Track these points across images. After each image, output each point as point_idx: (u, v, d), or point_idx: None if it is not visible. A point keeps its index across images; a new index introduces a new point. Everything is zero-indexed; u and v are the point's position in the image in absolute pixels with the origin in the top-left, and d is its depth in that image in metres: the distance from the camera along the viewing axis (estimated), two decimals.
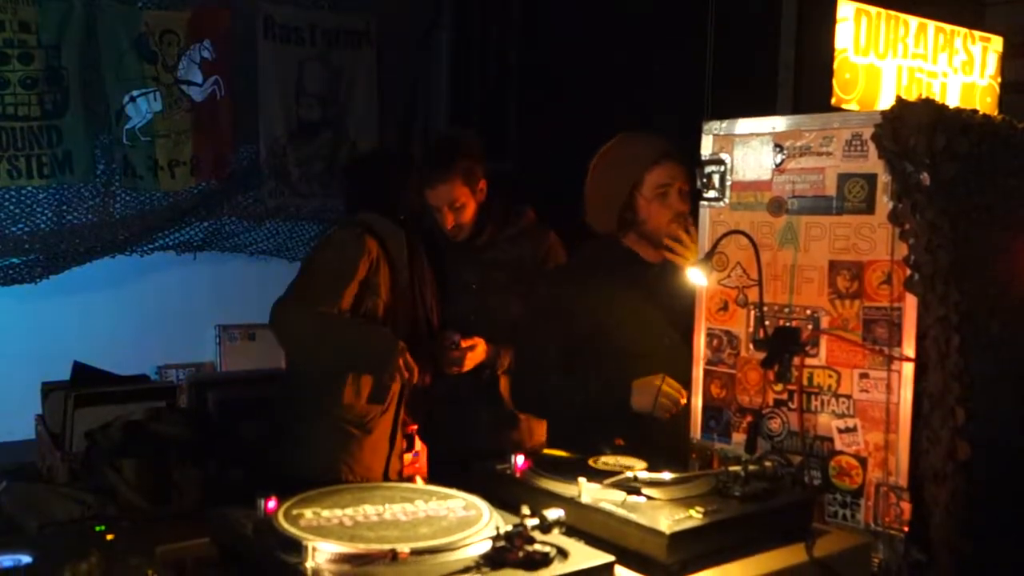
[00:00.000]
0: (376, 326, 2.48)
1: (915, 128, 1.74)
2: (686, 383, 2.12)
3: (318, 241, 2.75)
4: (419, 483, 1.77)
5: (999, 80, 2.57)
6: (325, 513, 1.50)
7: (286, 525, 1.44)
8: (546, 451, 1.97)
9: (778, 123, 1.99)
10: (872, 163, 1.84)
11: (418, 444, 2.90)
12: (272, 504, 1.48)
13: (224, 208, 3.45)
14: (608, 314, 2.24)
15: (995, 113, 2.40)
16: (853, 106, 2.22)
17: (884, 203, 1.83)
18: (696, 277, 2.03)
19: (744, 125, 2.03)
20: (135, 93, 3.20)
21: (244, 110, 3.41)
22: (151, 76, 3.21)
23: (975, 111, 1.90)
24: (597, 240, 2.34)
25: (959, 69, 2.44)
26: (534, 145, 3.56)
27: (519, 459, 1.77)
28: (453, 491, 1.64)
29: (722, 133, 2.06)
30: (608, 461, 1.80)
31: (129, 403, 2.78)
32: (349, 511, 1.51)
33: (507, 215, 2.72)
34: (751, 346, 2.01)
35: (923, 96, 1.85)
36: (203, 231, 3.46)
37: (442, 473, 1.95)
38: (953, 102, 2.38)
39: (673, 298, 2.20)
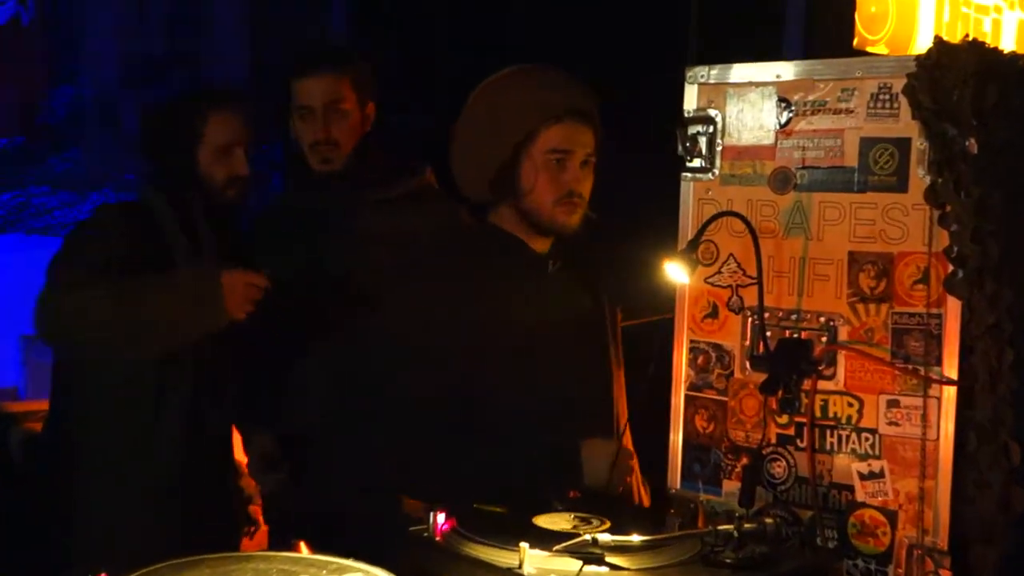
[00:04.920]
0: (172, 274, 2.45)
1: (959, 79, 1.77)
2: (605, 405, 2.16)
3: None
4: (304, 551, 1.75)
5: None
6: None
7: None
8: (476, 505, 1.96)
9: (784, 70, 1.99)
10: (904, 124, 1.86)
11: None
12: None
13: (32, 175, 3.35)
14: (519, 338, 2.18)
15: None
16: (880, 49, 2.25)
17: (919, 177, 1.85)
18: (675, 273, 2.04)
19: (740, 72, 2.04)
20: None
21: (62, 41, 3.32)
22: None
23: None
24: (472, 225, 2.29)
25: (1017, 3, 2.49)
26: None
27: (440, 517, 1.76)
28: (349, 561, 1.62)
29: (711, 82, 2.06)
30: (559, 519, 1.80)
31: None
32: None
33: (394, 171, 2.68)
34: (747, 365, 2.02)
35: (970, 37, 1.87)
36: (2, 207, 3.35)
37: None
38: (1008, 45, 2.43)
39: (572, 299, 2.24)
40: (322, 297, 2.68)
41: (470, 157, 2.25)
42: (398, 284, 2.31)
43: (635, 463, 2.23)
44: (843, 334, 1.92)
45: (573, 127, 2.20)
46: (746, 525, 1.73)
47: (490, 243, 2.26)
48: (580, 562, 1.63)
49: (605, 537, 1.69)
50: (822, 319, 1.95)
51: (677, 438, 2.11)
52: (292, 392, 2.73)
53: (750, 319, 2.02)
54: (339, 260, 2.68)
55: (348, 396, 2.59)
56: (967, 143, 1.76)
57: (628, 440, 2.25)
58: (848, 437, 1.92)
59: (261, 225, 2.95)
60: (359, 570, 1.59)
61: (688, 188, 2.10)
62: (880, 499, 1.88)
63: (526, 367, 2.19)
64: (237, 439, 2.85)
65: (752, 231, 1.95)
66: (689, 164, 2.09)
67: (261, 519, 2.87)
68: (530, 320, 2.21)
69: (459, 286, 2.19)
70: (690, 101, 2.08)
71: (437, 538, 1.74)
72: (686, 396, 2.10)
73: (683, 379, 2.10)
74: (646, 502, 2.21)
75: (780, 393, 1.91)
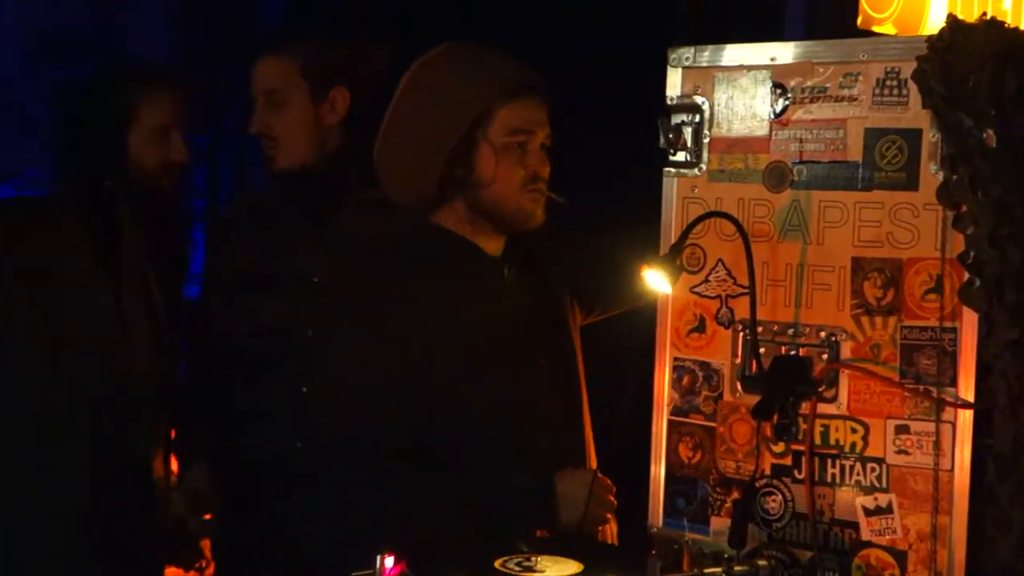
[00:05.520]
0: None
1: (975, 62, 1.77)
2: (573, 434, 2.17)
3: None
4: None
5: None
6: None
7: None
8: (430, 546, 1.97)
9: (780, 51, 1.99)
10: (914, 114, 1.86)
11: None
12: None
13: None
14: (479, 359, 2.18)
15: None
16: (888, 29, 2.25)
17: (931, 173, 1.85)
18: (656, 281, 2.02)
19: (730, 54, 2.04)
20: None
21: None
22: None
23: None
24: (411, 226, 2.27)
25: None
26: None
27: (388, 560, 1.75)
28: None
29: (698, 65, 2.06)
30: (524, 563, 1.80)
31: None
32: None
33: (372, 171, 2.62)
34: (738, 385, 2.02)
35: (987, 16, 1.89)
36: None
37: None
38: None
39: (534, 310, 2.23)
40: (269, 309, 2.66)
41: (410, 150, 2.21)
42: (348, 301, 2.30)
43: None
44: (846, 351, 1.92)
45: (531, 104, 2.21)
46: (737, 568, 1.76)
47: (440, 250, 2.23)
48: None
49: None
50: (822, 334, 1.94)
51: (659, 470, 2.09)
52: (235, 418, 2.71)
53: (741, 334, 2.01)
54: (290, 266, 2.65)
55: (295, 422, 2.58)
56: (984, 135, 1.76)
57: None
58: (852, 467, 1.91)
59: (220, 222, 2.99)
60: None
61: (671, 185, 2.09)
62: (888, 537, 1.88)
63: (488, 391, 2.18)
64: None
65: (743, 234, 1.94)
66: (672, 158, 2.08)
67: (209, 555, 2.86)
68: (490, 337, 2.19)
69: (411, 302, 2.18)
70: (673, 87, 2.07)
71: None
72: (669, 422, 2.08)
73: (665, 402, 2.09)
74: (614, 539, 2.22)
75: (775, 418, 1.89)
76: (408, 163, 2.23)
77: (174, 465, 2.83)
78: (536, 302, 2.29)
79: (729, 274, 2.03)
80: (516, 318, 2.23)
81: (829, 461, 1.93)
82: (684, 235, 2.00)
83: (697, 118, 2.05)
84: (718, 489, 2.04)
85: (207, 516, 2.76)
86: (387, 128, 2.24)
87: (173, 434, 2.84)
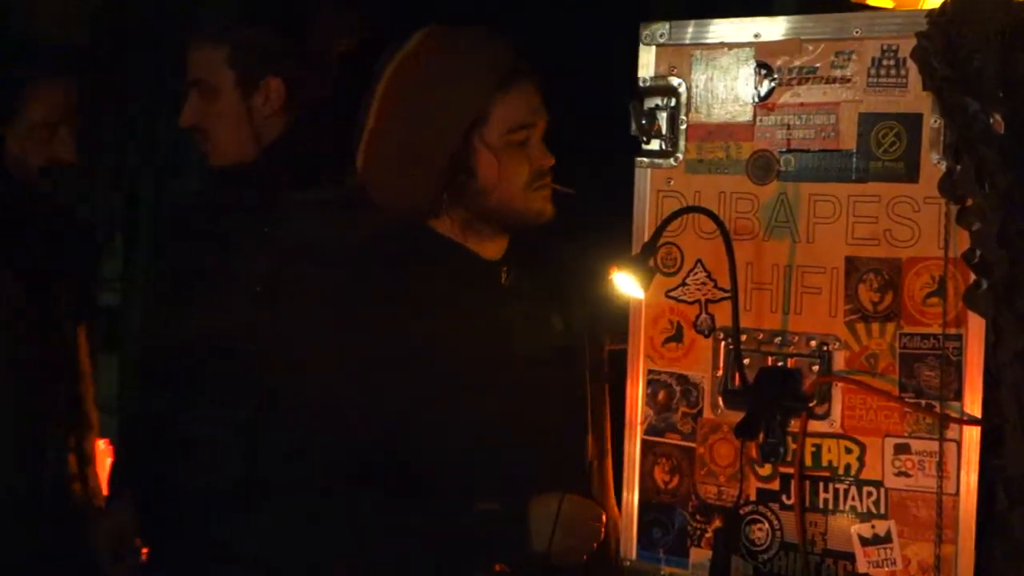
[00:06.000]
0: None
1: (982, 39, 1.71)
2: (573, 449, 2.15)
3: None
4: None
5: None
6: None
7: None
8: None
9: (765, 27, 1.96)
10: (914, 97, 1.83)
11: None
12: None
13: None
14: (464, 373, 2.12)
15: None
16: (884, 3, 2.30)
17: (933, 163, 1.82)
18: (626, 285, 1.97)
19: (711, 30, 2.01)
20: None
21: None
22: None
23: None
24: (396, 228, 2.20)
25: None
26: None
27: None
28: None
29: (674, 42, 2.03)
30: None
31: None
32: None
33: (317, 170, 2.56)
34: (720, 401, 1.99)
35: None
36: None
37: None
38: None
39: (534, 318, 2.19)
40: (204, 322, 2.59)
41: (404, 160, 2.14)
42: (308, 309, 2.25)
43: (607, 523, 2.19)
44: (839, 361, 1.90)
45: (526, 93, 2.15)
46: None
47: (426, 255, 2.18)
48: None
49: None
50: (813, 343, 1.92)
51: (632, 496, 2.07)
52: (171, 440, 2.63)
53: (723, 343, 1.99)
54: (229, 275, 2.58)
55: (238, 444, 2.53)
56: (992, 120, 1.72)
57: (610, 495, 2.24)
58: (846, 492, 1.89)
59: (154, 225, 3.05)
60: None
61: (644, 177, 2.06)
62: (887, 569, 1.85)
63: (473, 407, 2.12)
64: None
65: (724, 232, 1.92)
66: (646, 147, 2.05)
67: None
68: (483, 345, 2.14)
69: (387, 311, 2.12)
70: (646, 67, 2.05)
71: None
72: (643, 442, 2.06)
73: (639, 420, 2.07)
74: None
75: (761, 437, 1.90)
76: (402, 174, 2.16)
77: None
78: (537, 311, 2.23)
79: (709, 276, 2.01)
80: (513, 324, 2.19)
81: (821, 485, 1.91)
82: (658, 233, 1.95)
83: (673, 102, 2.02)
84: (698, 517, 2.02)
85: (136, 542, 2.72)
86: (372, 136, 2.16)
87: (98, 453, 2.81)
